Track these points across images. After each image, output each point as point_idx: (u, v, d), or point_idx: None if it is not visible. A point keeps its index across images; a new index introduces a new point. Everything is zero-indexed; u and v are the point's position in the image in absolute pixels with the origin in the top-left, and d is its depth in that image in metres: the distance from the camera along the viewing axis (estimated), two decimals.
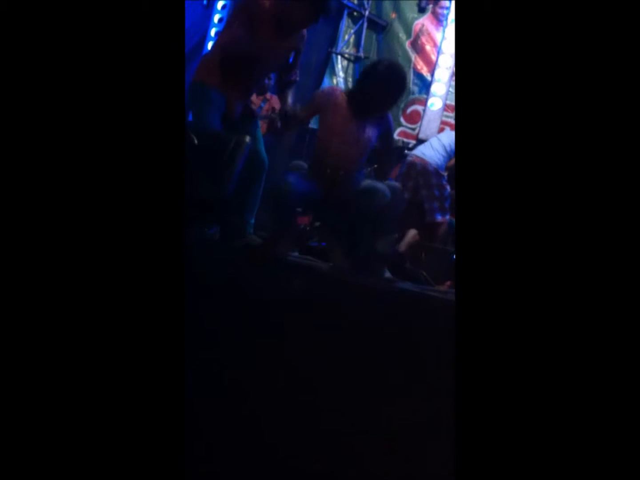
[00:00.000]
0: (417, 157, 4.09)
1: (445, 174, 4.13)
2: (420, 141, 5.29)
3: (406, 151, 4.46)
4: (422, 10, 5.78)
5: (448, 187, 4.11)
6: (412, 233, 3.93)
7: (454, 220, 4.27)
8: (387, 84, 2.48)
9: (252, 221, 2.86)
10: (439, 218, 4.03)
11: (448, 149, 4.12)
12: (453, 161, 4.17)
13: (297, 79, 2.97)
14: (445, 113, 5.50)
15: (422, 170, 4.01)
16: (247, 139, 2.62)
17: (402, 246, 3.81)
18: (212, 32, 5.68)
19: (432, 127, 5.39)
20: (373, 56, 5.75)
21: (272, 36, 2.68)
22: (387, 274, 2.44)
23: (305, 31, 2.84)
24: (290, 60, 2.83)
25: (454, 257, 3.87)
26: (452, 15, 5.56)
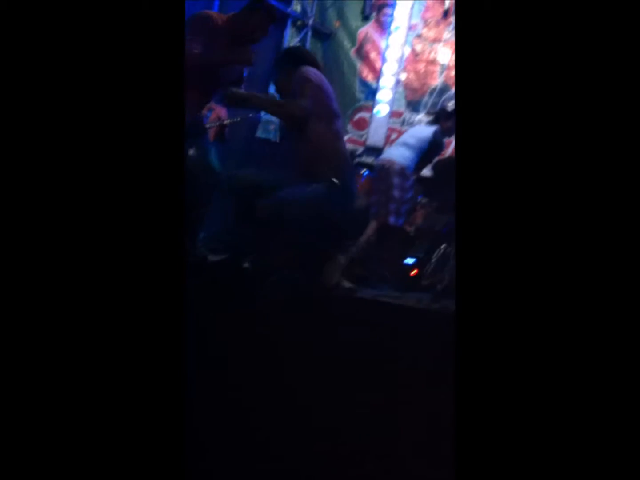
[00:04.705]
0: (385, 159, 4.11)
1: (413, 176, 4.12)
2: (368, 148, 5.36)
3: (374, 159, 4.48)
4: (365, 18, 5.85)
5: (411, 192, 4.12)
6: (366, 235, 3.95)
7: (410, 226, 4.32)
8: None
9: (202, 234, 2.83)
10: (392, 221, 4.04)
11: (418, 145, 4.11)
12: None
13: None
14: (392, 119, 5.58)
15: (390, 170, 4.01)
16: (190, 151, 2.60)
17: (361, 243, 3.83)
18: None
19: (380, 133, 5.46)
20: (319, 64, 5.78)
21: (224, 51, 2.69)
22: (346, 284, 2.45)
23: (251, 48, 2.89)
24: (245, 74, 2.87)
25: (405, 261, 3.92)
26: (395, 24, 5.66)
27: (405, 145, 4.12)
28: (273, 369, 2.02)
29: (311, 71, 2.71)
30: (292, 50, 2.93)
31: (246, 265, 2.71)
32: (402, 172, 3.99)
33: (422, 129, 4.38)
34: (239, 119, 3.83)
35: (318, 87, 2.66)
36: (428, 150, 4.16)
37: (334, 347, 2.05)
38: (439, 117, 4.35)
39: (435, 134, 4.16)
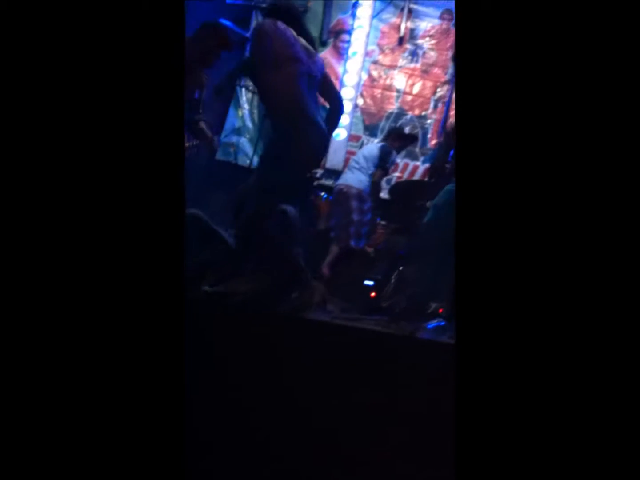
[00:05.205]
0: (342, 184, 4.19)
1: (371, 199, 4.21)
2: (328, 170, 5.42)
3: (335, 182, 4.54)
4: (323, 44, 5.95)
5: (369, 214, 4.20)
6: (331, 255, 3.99)
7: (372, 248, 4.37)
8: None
9: None
10: (353, 244, 4.10)
11: (368, 164, 4.20)
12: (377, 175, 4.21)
13: (203, 117, 3.02)
14: (350, 143, 5.67)
15: (348, 194, 4.09)
16: None
17: (324, 268, 3.87)
18: None
19: (338, 156, 5.55)
20: None
21: None
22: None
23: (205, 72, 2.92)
24: (196, 95, 2.87)
25: (365, 282, 3.96)
26: (352, 49, 5.78)
27: (359, 167, 4.22)
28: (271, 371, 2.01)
29: (265, 23, 2.71)
30: (275, 6, 2.90)
31: (206, 288, 2.69)
32: (360, 195, 4.08)
33: (370, 148, 4.51)
34: (197, 142, 3.83)
35: (271, 37, 2.64)
36: (379, 167, 4.27)
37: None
38: (389, 135, 4.49)
39: (381, 148, 4.28)
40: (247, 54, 5.11)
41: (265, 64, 2.65)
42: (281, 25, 2.69)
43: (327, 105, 3.03)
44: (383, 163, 4.24)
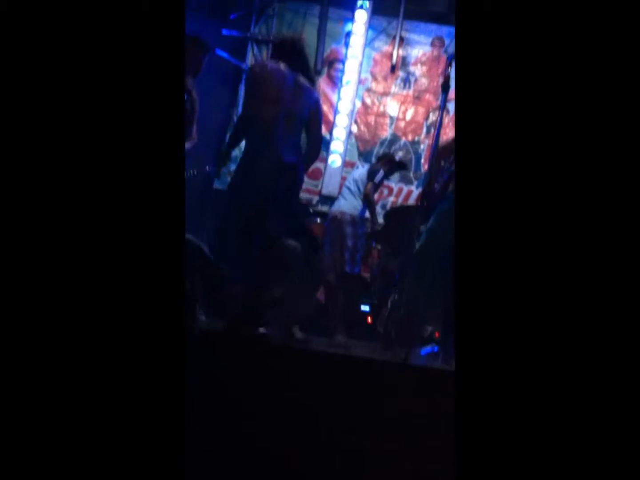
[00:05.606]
0: (336, 211, 4.26)
1: (365, 224, 4.26)
2: (323, 197, 5.50)
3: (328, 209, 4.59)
4: (317, 72, 6.05)
5: (363, 239, 4.25)
6: (327, 282, 4.03)
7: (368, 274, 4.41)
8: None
9: None
10: (348, 269, 4.14)
11: (358, 187, 4.27)
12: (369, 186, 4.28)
13: (196, 140, 3.10)
14: (345, 169, 5.76)
15: (342, 221, 4.15)
16: None
17: (320, 295, 3.90)
18: None
19: (334, 182, 5.64)
20: None
21: None
22: (299, 334, 2.50)
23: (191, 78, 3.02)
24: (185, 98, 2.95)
25: (361, 308, 4.00)
26: (346, 78, 5.90)
27: (351, 192, 4.29)
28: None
29: (255, 67, 2.86)
30: (279, 39, 2.95)
31: (202, 317, 2.74)
32: (353, 220, 4.14)
33: (360, 171, 4.58)
34: (195, 172, 3.91)
35: (259, 81, 2.73)
36: (368, 182, 4.32)
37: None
38: (380, 159, 4.56)
39: (369, 168, 4.36)
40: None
41: (251, 108, 2.73)
42: (273, 65, 2.71)
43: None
44: (371, 179, 4.29)
